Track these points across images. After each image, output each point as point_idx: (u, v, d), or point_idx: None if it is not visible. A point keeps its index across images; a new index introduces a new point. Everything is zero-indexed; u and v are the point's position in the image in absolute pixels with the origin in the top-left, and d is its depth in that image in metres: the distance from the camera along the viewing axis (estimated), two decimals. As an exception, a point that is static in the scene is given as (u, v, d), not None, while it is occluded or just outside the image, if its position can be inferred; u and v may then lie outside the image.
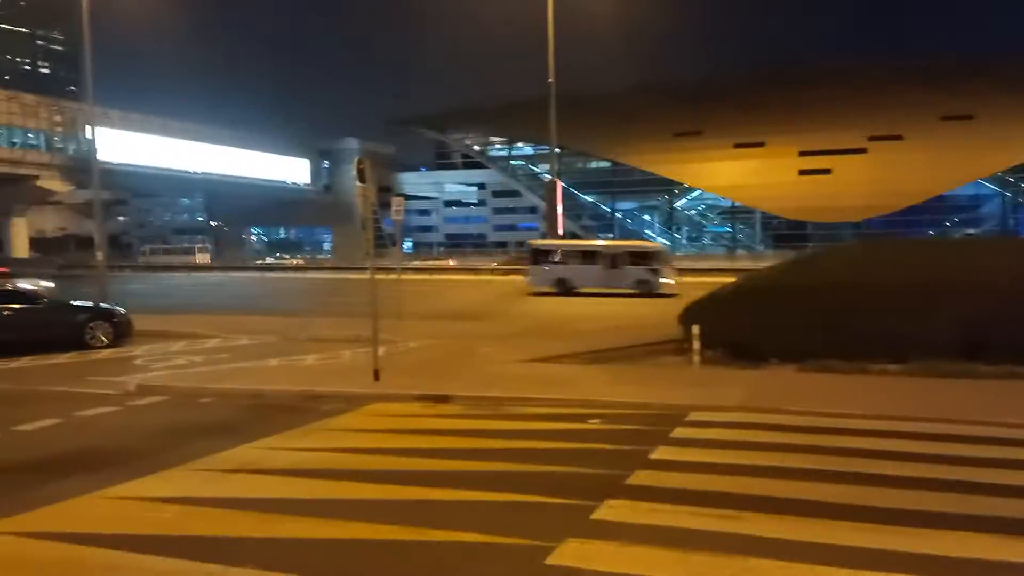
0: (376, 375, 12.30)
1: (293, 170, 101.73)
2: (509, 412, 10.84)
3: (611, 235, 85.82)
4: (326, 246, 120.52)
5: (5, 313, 17.70)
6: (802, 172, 79.26)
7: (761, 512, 6.50)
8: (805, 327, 13.54)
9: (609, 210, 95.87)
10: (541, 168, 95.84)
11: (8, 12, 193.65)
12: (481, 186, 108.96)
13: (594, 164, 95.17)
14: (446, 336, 18.66)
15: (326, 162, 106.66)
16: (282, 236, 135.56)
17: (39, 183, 70.15)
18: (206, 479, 7.95)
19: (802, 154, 78.90)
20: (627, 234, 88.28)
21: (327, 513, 6.71)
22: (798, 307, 13.74)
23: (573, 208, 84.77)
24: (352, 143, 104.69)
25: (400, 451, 8.87)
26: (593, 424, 10.11)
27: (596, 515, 6.53)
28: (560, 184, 40.92)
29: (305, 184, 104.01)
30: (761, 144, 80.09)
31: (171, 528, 6.50)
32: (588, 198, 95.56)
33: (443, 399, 11.46)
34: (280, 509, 6.85)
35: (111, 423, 10.87)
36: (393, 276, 26.99)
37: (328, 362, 15.11)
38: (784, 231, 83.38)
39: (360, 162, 13.06)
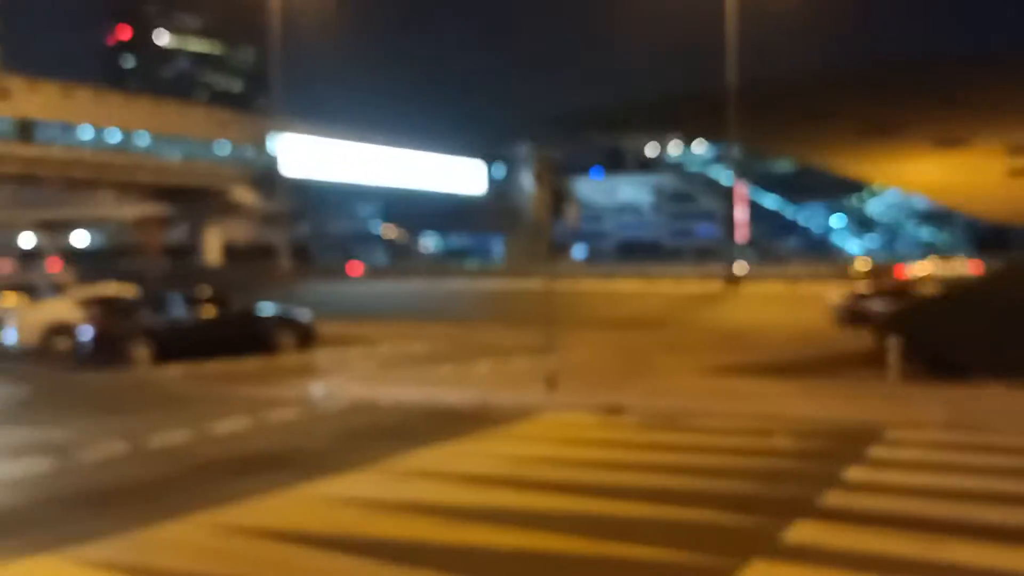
0: (551, 384, 12.18)
1: (465, 176, 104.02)
2: (688, 425, 10.41)
3: (793, 242, 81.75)
4: (497, 253, 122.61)
5: (202, 320, 18.99)
6: (1014, 173, 72.50)
7: (966, 539, 5.88)
8: (1019, 341, 12.21)
9: (791, 214, 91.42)
10: (719, 170, 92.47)
11: (204, 34, 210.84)
12: (655, 190, 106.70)
13: (775, 164, 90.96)
14: (622, 346, 18.36)
15: (498, 167, 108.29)
16: (454, 243, 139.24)
17: (232, 195, 75.66)
18: (386, 482, 8.10)
19: (1014, 152, 72.20)
20: (812, 241, 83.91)
21: (506, 522, 6.61)
22: (1012, 319, 12.42)
23: (753, 212, 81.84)
24: (524, 147, 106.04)
25: (576, 462, 8.66)
26: (779, 440, 9.51)
27: (785, 536, 6.08)
28: (741, 187, 39.36)
29: (476, 190, 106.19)
30: (964, 141, 73.84)
31: (354, 528, 6.61)
32: (769, 201, 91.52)
33: (619, 410, 11.16)
34: (460, 516, 6.81)
35: (296, 425, 11.34)
36: (565, 284, 26.93)
37: (500, 370, 15.17)
38: (985, 235, 76.71)
39: (538, 166, 13.00)
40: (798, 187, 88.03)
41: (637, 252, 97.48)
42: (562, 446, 9.48)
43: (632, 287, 45.87)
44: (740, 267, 43.66)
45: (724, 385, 12.89)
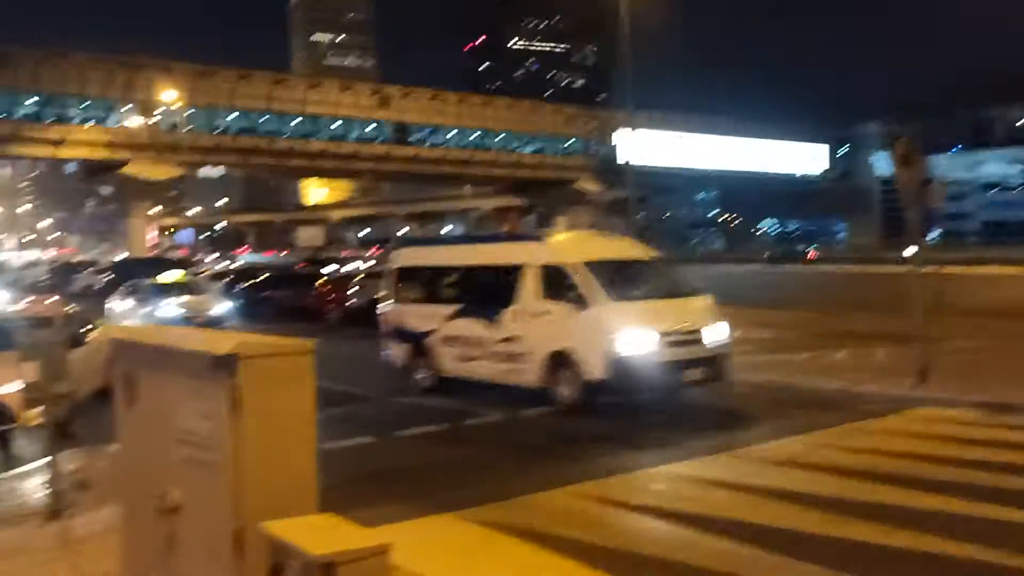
0: (922, 376, 11.16)
1: (804, 159, 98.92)
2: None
3: None
4: (840, 236, 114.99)
5: None
6: None
7: None
8: None
9: None
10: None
11: (550, 34, 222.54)
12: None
13: None
14: (999, 336, 16.25)
15: (842, 149, 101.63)
16: (792, 227, 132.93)
17: (576, 185, 79.17)
18: (755, 468, 8.01)
19: None
20: None
21: (893, 520, 6.20)
22: None
23: None
24: (872, 127, 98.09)
25: (960, 462, 7.84)
26: None
27: None
28: None
29: (817, 173, 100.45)
30: None
31: (725, 511, 6.61)
32: None
33: (1007, 408, 9.91)
34: (841, 509, 6.51)
35: (669, 404, 11.54)
36: (920, 268, 24.35)
37: (860, 359, 14.18)
38: None
39: (901, 145, 11.94)
40: None
41: (1006, 232, 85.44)
42: (941, 444, 8.64)
43: (1003, 271, 40.27)
44: None
45: None
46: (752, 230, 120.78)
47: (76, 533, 6.59)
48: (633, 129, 26.93)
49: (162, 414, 3.65)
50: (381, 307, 14.36)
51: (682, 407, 11.32)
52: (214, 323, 21.06)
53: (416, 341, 13.09)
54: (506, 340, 11.60)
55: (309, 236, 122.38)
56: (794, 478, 7.55)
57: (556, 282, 11.18)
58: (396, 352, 13.66)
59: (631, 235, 17.55)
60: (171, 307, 22.12)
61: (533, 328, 11.29)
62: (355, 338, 20.08)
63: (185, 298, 23.00)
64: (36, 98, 54.02)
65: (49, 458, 7.61)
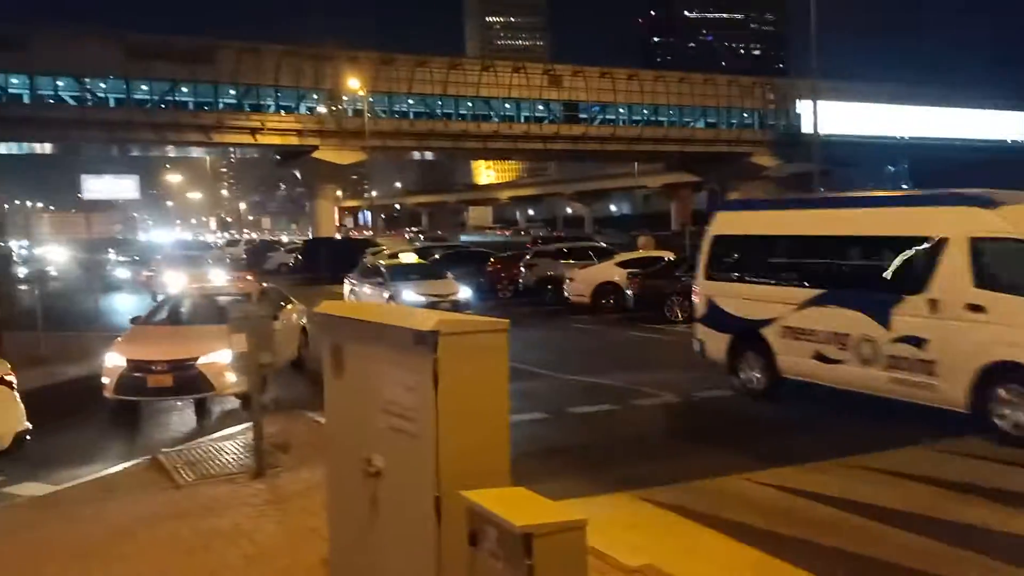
0: None
1: (1007, 127, 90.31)
2: None
3: None
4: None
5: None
6: None
7: None
8: None
9: None
10: None
11: (725, 3, 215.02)
12: None
13: None
14: None
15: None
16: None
17: (752, 159, 76.31)
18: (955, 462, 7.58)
19: None
20: None
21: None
22: None
23: None
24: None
25: None
26: None
27: None
28: None
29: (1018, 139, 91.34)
30: None
31: (916, 506, 6.32)
32: None
33: None
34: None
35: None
36: None
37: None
38: None
39: None
40: None
41: None
42: None
43: None
44: None
45: None
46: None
47: (280, 491, 7.15)
48: (816, 99, 25.54)
49: (367, 384, 3.88)
50: (694, 286, 11.88)
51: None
52: (459, 308, 19.43)
53: (745, 332, 10.62)
54: (903, 340, 8.77)
55: (479, 216, 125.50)
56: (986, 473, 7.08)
57: (1003, 264, 8.38)
58: (712, 344, 11.21)
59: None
60: (412, 292, 20.05)
61: (955, 327, 8.34)
62: (525, 315, 20.50)
63: (428, 282, 21.08)
64: (234, 91, 58.44)
65: (250, 423, 8.32)
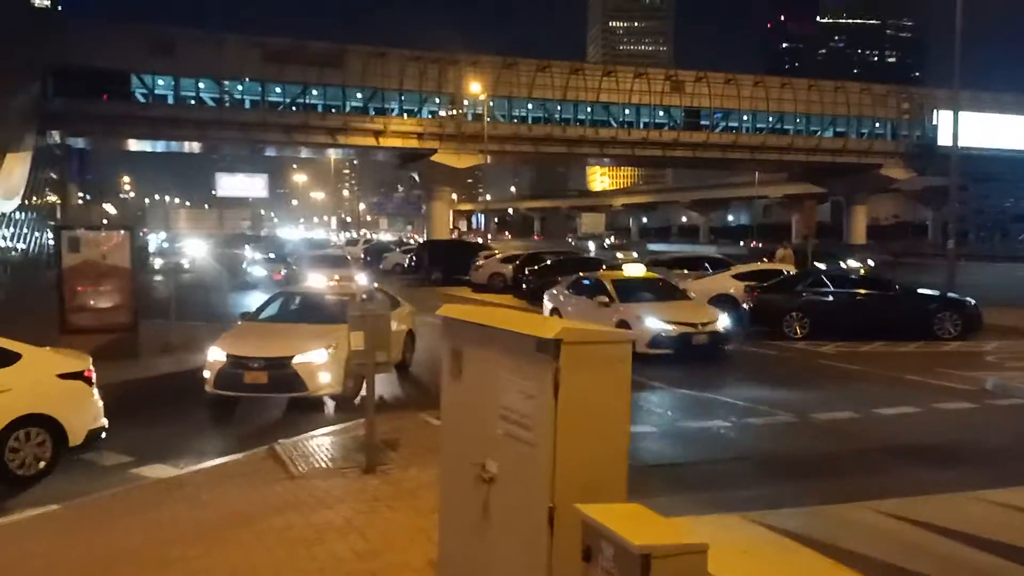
0: None
1: None
2: None
3: None
4: None
5: (859, 299, 18.71)
6: None
7: None
8: None
9: None
10: None
11: (860, 8, 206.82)
12: None
13: None
14: None
15: None
16: None
17: (882, 171, 72.97)
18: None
19: None
20: None
21: None
22: None
23: None
24: None
25: None
26: None
27: None
28: None
29: None
30: None
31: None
32: None
33: None
34: None
35: (969, 420, 10.44)
36: None
37: None
38: None
39: None
40: None
41: None
42: None
43: None
44: None
45: None
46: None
47: (390, 489, 7.24)
48: (957, 109, 24.10)
49: (485, 389, 3.85)
50: None
51: (991, 419, 10.03)
52: (719, 341, 15.49)
53: None
54: None
55: (592, 223, 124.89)
56: None
57: None
58: None
59: (944, 228, 15.61)
60: (654, 317, 15.17)
61: None
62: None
63: (673, 305, 16.21)
64: (360, 94, 60.29)
65: (361, 419, 8.47)
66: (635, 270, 18.83)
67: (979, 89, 70.48)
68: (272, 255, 38.65)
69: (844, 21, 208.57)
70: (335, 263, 27.76)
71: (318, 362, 10.79)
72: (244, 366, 10.72)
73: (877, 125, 73.10)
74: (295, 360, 10.72)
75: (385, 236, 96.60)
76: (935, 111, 69.52)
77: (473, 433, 3.96)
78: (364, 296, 12.95)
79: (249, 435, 9.78)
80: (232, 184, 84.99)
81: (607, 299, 16.47)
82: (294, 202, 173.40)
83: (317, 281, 14.56)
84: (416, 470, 7.65)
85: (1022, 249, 74.55)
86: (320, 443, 8.89)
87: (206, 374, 11.03)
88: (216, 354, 11.01)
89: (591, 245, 70.83)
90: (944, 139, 62.33)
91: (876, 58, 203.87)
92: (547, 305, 19.57)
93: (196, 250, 39.88)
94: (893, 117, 73.12)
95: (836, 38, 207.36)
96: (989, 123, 71.03)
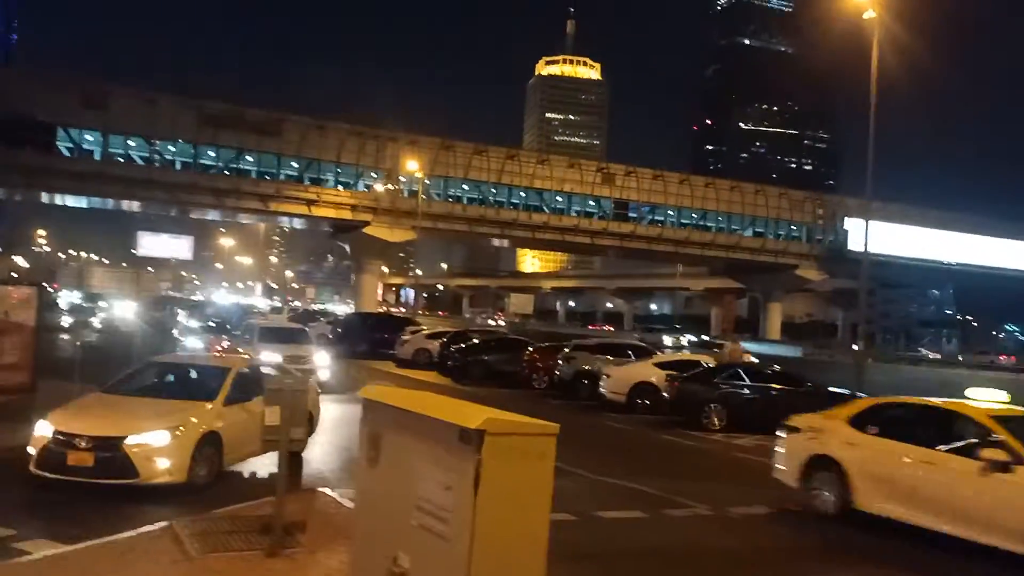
0: None
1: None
2: None
3: None
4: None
5: (773, 393, 19.09)
6: None
7: None
8: None
9: None
10: None
11: (780, 118, 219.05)
12: None
13: None
14: None
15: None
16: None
17: (797, 272, 75.94)
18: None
19: None
20: None
21: None
22: None
23: None
24: None
25: None
26: None
27: None
28: None
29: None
30: None
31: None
32: None
33: None
34: None
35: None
36: None
37: None
38: None
39: None
40: None
41: None
42: None
43: None
44: None
45: None
46: (993, 332, 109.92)
47: (296, 574, 6.90)
48: (868, 219, 25.42)
49: (402, 477, 3.73)
50: None
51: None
52: None
53: None
54: None
55: (520, 303, 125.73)
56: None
57: None
58: None
59: (850, 328, 16.25)
60: None
61: None
62: (558, 409, 20.15)
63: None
64: (296, 163, 60.19)
65: (267, 499, 8.10)
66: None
67: (888, 200, 74.48)
68: (213, 323, 35.13)
69: (765, 129, 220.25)
70: (290, 337, 23.31)
71: (156, 445, 9.26)
72: (69, 445, 9.12)
73: (793, 228, 76.41)
74: (127, 441, 9.16)
75: (314, 305, 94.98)
76: (846, 218, 73.08)
77: (387, 523, 3.82)
78: (241, 370, 11.34)
79: (143, 509, 9.19)
80: (154, 244, 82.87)
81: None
82: (218, 265, 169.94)
83: (269, 359, 13.37)
84: (324, 554, 7.34)
85: (923, 356, 78.09)
86: (220, 523, 8.43)
87: (30, 451, 9.45)
88: (43, 428, 9.40)
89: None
90: (854, 244, 65.49)
91: (794, 165, 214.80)
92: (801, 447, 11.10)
93: (118, 310, 38.02)
94: (808, 221, 76.59)
95: (757, 144, 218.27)
96: (896, 232, 74.91)
